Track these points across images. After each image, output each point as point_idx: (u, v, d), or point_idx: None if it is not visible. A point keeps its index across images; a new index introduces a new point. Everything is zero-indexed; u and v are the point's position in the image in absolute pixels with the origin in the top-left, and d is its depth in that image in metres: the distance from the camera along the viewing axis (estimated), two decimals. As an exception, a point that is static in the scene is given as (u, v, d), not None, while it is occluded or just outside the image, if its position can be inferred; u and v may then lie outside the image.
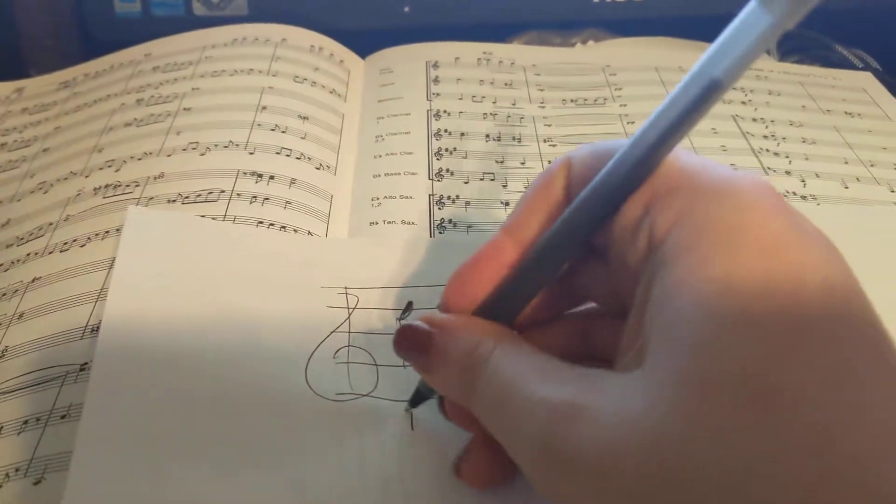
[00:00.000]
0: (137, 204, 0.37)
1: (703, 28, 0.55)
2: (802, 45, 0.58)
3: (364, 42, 0.52)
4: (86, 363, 0.31)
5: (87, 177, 0.40)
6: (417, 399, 0.29)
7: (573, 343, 0.27)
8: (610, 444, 0.20)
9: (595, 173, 0.24)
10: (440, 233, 0.38)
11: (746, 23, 0.21)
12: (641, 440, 0.19)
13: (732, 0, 0.54)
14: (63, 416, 0.29)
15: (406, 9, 0.52)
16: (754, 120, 0.47)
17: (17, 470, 0.28)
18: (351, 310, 0.33)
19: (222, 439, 0.28)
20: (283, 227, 0.37)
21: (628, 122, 0.46)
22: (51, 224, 0.38)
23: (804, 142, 0.46)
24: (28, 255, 0.37)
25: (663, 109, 0.22)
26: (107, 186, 0.39)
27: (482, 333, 0.25)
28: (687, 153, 0.23)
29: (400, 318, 0.33)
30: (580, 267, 0.27)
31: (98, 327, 0.32)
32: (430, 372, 0.25)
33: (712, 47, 0.22)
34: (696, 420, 0.19)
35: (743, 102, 0.48)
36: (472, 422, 0.26)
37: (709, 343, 0.19)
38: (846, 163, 0.44)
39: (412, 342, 0.25)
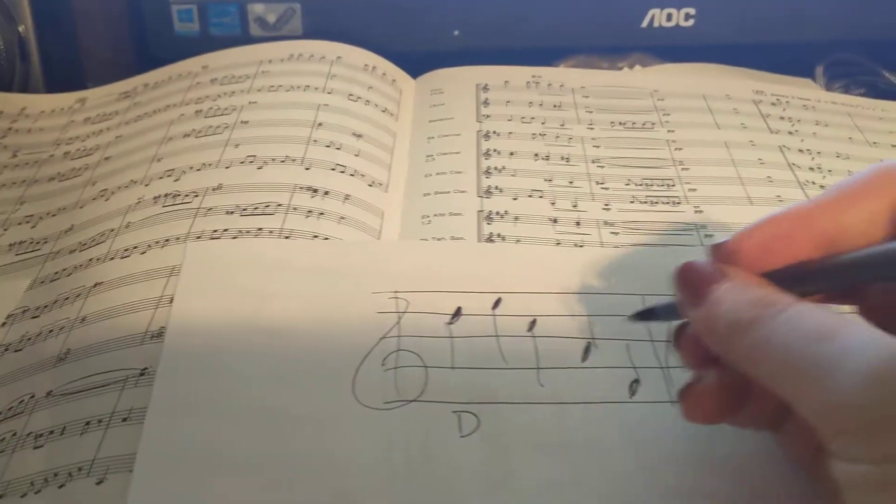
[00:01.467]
0: (196, 215, 0.38)
1: (751, 55, 0.56)
2: (849, 70, 0.58)
3: (414, 64, 0.53)
4: (146, 368, 0.32)
5: (146, 185, 0.41)
6: (646, 316, 0.30)
7: None
8: None
9: None
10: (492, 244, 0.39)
11: None
12: None
13: (778, 28, 0.55)
14: (124, 419, 0.30)
15: (456, 32, 0.53)
16: (801, 151, 0.47)
17: (79, 469, 0.28)
18: (401, 314, 0.34)
19: (272, 451, 0.29)
20: (337, 242, 0.38)
21: (675, 149, 0.46)
22: (112, 230, 0.39)
23: (850, 174, 0.46)
24: (90, 260, 0.38)
25: None
26: (166, 195, 0.40)
27: (776, 292, 0.25)
28: None
29: (449, 323, 0.34)
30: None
31: (158, 333, 0.33)
32: (702, 305, 0.26)
33: None
34: None
35: (790, 132, 0.49)
36: (703, 360, 0.27)
37: None
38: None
39: (697, 276, 0.26)
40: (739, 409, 0.28)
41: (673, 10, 0.52)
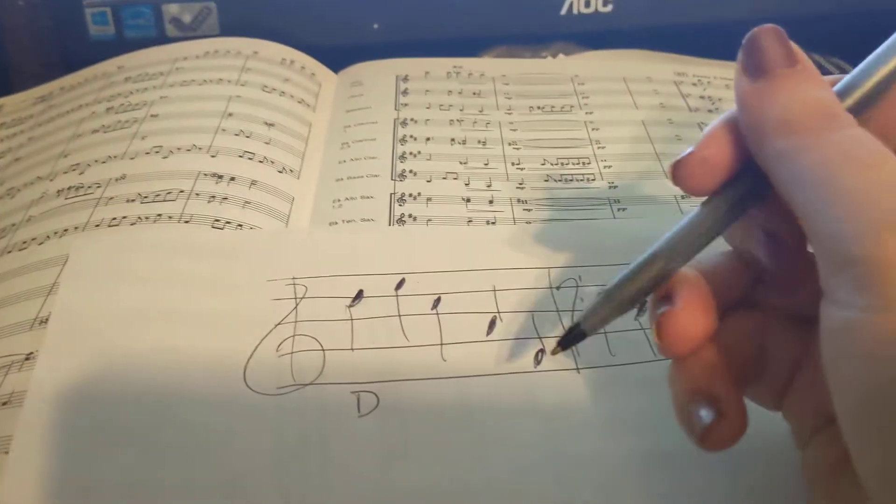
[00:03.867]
0: (97, 204, 0.38)
1: (674, 39, 0.56)
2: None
3: (335, 59, 0.53)
4: (31, 353, 0.31)
5: (51, 180, 0.41)
6: (571, 341, 0.26)
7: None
8: None
9: None
10: (399, 227, 0.38)
11: None
12: None
13: (699, 9, 0.55)
14: (4, 403, 0.29)
15: (375, 25, 0.53)
16: (719, 126, 0.47)
17: (-45, 452, 0.28)
18: (298, 300, 0.33)
19: (160, 432, 0.28)
20: (240, 226, 0.37)
21: (593, 129, 0.46)
22: (13, 225, 0.38)
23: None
24: (-11, 255, 0.37)
25: None
26: (69, 188, 0.39)
27: (840, 108, 0.23)
28: None
29: (350, 306, 0.33)
30: None
31: (47, 319, 0.32)
32: (761, 82, 0.23)
33: None
34: None
35: (710, 110, 0.49)
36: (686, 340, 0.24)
37: None
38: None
39: (771, 50, 0.23)
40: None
41: (591, -4, 0.53)
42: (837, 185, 0.21)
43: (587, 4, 0.53)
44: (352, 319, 0.33)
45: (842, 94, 0.24)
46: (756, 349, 0.26)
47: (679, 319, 0.24)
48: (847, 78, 0.24)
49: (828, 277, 0.21)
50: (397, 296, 0.34)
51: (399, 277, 0.35)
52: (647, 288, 0.25)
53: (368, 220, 0.39)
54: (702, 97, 0.50)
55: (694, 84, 0.51)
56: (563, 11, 0.53)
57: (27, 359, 0.31)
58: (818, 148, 0.22)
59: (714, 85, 0.51)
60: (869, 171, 0.21)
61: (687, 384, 0.25)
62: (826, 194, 0.21)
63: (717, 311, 0.25)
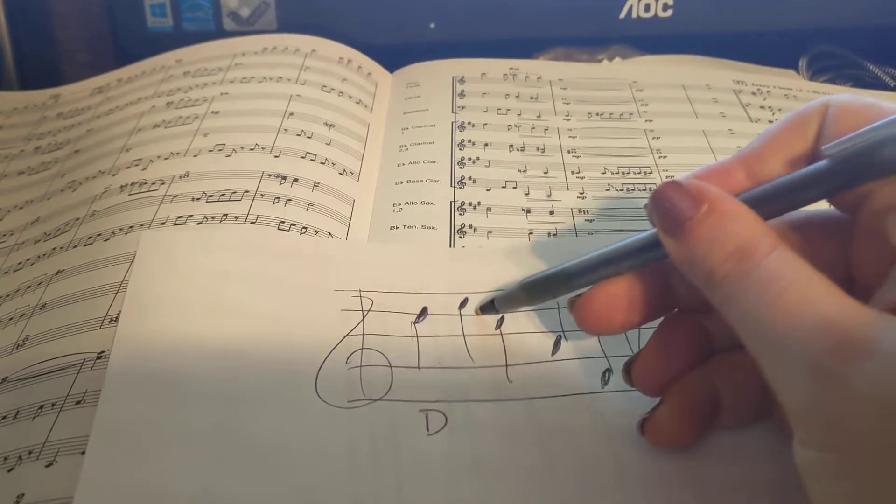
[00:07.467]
0: (161, 202, 0.38)
1: (732, 46, 0.55)
2: (833, 64, 0.58)
3: (391, 58, 0.53)
4: (102, 352, 0.31)
5: (114, 175, 0.41)
6: (488, 309, 0.33)
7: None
8: None
9: (855, 124, 0.23)
10: (460, 237, 0.38)
11: None
12: None
13: (758, 17, 0.54)
14: (78, 402, 0.29)
15: (432, 25, 0.53)
16: (781, 138, 0.46)
17: (29, 453, 0.28)
18: (365, 312, 0.33)
19: (230, 434, 0.28)
20: (305, 228, 0.37)
21: (653, 138, 0.46)
22: (77, 220, 0.39)
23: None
24: (54, 249, 0.37)
25: None
26: (133, 184, 0.39)
27: (760, 227, 0.23)
28: None
29: (415, 322, 0.33)
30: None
31: (117, 317, 0.32)
32: (679, 240, 0.24)
33: None
34: None
35: (770, 121, 0.48)
36: (660, 385, 0.27)
37: None
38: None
39: (676, 204, 0.24)
40: (710, 423, 0.28)
41: (651, 1, 0.52)
42: (759, 334, 0.22)
43: (647, 9, 0.52)
44: (417, 336, 0.33)
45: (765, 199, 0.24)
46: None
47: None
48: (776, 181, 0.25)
49: (788, 415, 0.22)
50: (461, 315, 0.34)
51: (462, 297, 0.34)
52: (553, 293, 0.30)
53: (429, 227, 0.39)
54: (762, 107, 0.49)
55: (754, 93, 0.51)
56: (622, 15, 0.53)
57: (98, 357, 0.31)
58: (738, 298, 0.23)
59: (773, 94, 0.51)
60: (784, 316, 0.21)
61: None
62: (753, 347, 0.23)
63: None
